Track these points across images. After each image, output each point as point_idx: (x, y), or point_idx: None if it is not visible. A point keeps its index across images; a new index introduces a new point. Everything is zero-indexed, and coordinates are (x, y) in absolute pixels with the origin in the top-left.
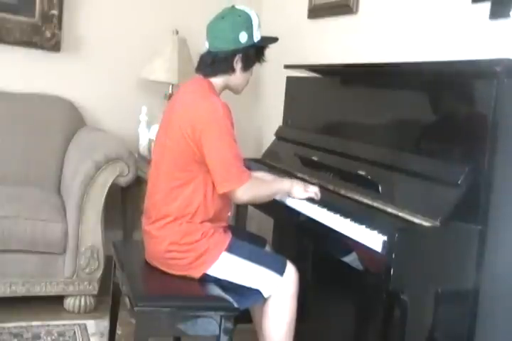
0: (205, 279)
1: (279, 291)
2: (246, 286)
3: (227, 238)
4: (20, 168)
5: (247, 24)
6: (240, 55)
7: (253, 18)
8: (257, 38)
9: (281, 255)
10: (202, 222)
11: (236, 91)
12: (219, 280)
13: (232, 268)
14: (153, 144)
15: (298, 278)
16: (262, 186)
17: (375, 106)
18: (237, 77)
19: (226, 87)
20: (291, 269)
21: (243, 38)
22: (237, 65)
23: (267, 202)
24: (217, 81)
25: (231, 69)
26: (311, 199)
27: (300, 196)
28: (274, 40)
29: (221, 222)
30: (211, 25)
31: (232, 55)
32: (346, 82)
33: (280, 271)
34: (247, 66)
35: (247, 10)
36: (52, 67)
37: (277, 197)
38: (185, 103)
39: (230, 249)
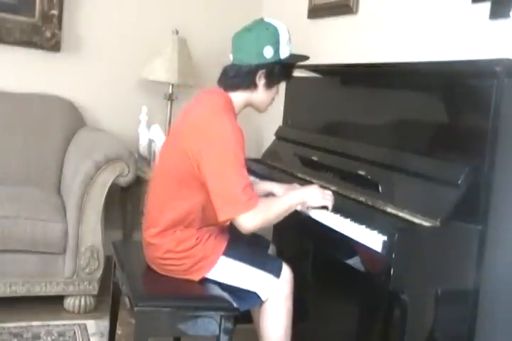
0: (204, 281)
1: (275, 292)
2: (244, 289)
3: (224, 242)
4: (20, 168)
5: (274, 38)
6: (264, 70)
7: (281, 33)
8: (284, 54)
9: (279, 256)
10: (199, 228)
11: (259, 109)
12: (217, 283)
13: (230, 271)
14: (153, 144)
15: (292, 278)
16: (271, 207)
17: (375, 106)
18: (260, 94)
19: (248, 104)
20: (285, 269)
21: (268, 52)
22: (260, 81)
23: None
24: (238, 97)
25: (253, 85)
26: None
27: (315, 204)
28: (305, 58)
29: (221, 225)
30: (236, 36)
31: (255, 70)
32: (346, 82)
33: (277, 273)
34: (270, 83)
35: (277, 23)
36: (52, 67)
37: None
38: (196, 117)
39: (227, 253)
